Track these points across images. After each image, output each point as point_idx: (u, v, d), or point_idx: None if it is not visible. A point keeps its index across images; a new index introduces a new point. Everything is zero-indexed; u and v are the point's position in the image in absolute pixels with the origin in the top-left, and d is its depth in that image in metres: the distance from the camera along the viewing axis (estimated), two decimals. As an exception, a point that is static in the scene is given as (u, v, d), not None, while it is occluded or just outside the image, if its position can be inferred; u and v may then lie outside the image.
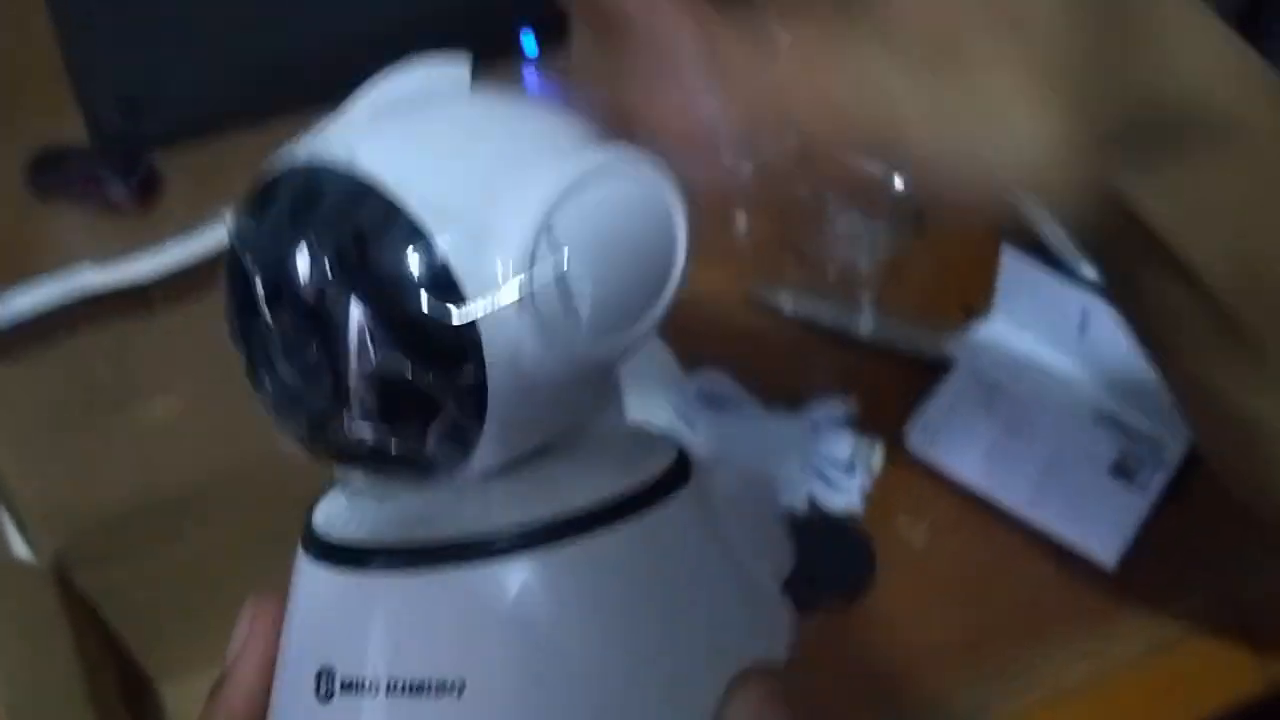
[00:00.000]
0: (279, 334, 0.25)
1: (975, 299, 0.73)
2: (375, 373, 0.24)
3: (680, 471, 0.28)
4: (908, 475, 0.68)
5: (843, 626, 0.62)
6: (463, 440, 0.25)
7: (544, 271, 0.24)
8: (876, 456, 0.67)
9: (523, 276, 0.24)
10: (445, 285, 0.23)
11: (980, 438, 0.67)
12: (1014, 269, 0.68)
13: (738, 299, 0.78)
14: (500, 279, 0.24)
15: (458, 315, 0.23)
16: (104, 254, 0.81)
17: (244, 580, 0.57)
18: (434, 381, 0.24)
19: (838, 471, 0.66)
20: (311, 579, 0.27)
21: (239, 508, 0.54)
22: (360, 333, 0.24)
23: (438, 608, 0.25)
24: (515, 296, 0.24)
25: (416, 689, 0.25)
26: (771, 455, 0.65)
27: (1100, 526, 0.64)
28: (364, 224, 0.24)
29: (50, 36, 0.86)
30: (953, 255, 0.79)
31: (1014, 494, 0.66)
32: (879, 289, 0.76)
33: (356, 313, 0.23)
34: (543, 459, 0.28)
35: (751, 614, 0.29)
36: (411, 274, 0.23)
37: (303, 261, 0.24)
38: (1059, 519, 0.65)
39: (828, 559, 0.65)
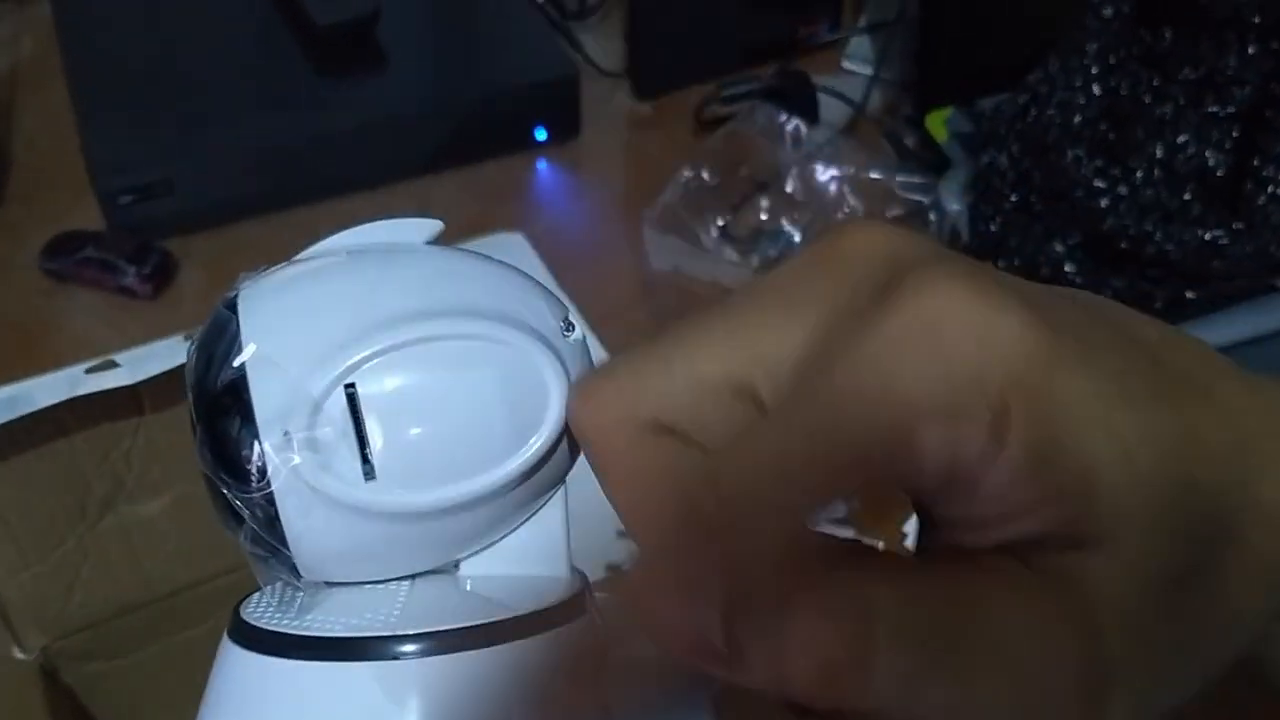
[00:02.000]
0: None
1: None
2: (208, 478, 0.27)
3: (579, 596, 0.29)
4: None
5: None
6: (283, 559, 0.27)
7: (332, 419, 0.26)
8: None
9: (309, 419, 0.26)
10: (246, 413, 0.26)
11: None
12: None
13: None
14: (289, 418, 0.26)
15: (248, 442, 0.26)
16: (116, 339, 0.82)
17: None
18: (241, 500, 0.27)
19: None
20: (232, 661, 0.29)
21: (223, 606, 0.54)
22: (200, 446, 0.27)
23: (332, 694, 0.27)
24: (300, 433, 0.26)
25: None
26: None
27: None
28: (215, 347, 0.27)
29: (71, 125, 0.88)
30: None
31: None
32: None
33: (201, 429, 0.27)
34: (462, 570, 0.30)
35: None
36: (225, 399, 0.27)
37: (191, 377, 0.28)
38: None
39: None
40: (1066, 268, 0.75)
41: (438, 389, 0.27)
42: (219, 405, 0.27)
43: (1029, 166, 0.76)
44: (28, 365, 0.78)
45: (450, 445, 0.27)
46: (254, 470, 0.27)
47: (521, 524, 0.30)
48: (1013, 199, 0.77)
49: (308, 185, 0.92)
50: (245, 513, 0.27)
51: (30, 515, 0.47)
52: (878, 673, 0.20)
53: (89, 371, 0.43)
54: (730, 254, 0.78)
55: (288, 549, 0.27)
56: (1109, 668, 0.22)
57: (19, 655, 0.52)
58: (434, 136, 0.94)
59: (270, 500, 0.27)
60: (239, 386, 0.27)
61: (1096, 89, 0.74)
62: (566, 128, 0.98)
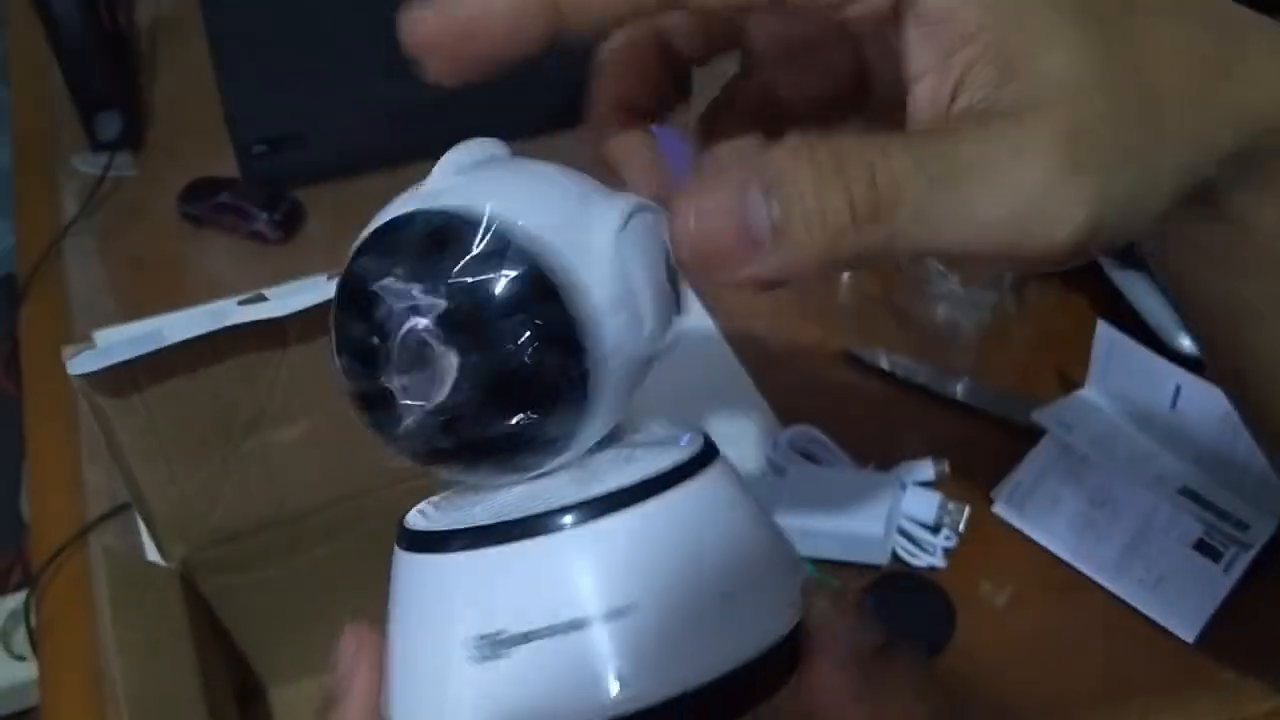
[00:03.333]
0: (406, 355, 0.29)
1: (1071, 369, 0.74)
2: (507, 371, 0.28)
3: (706, 451, 0.32)
4: (993, 539, 0.69)
5: (918, 682, 0.64)
6: (572, 426, 0.30)
7: (625, 275, 0.29)
8: (963, 518, 0.68)
9: (614, 282, 0.29)
10: (557, 292, 0.28)
11: (1066, 507, 0.68)
12: (1109, 342, 0.69)
13: (835, 356, 0.80)
14: (598, 281, 0.29)
15: (571, 320, 0.28)
16: (247, 279, 0.87)
17: (354, 594, 0.62)
18: (552, 373, 0.29)
19: (924, 531, 0.68)
20: (417, 567, 0.31)
21: (354, 526, 0.58)
22: (489, 331, 0.28)
23: (550, 563, 0.29)
24: (610, 297, 0.29)
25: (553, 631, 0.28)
26: (859, 511, 0.67)
27: (1182, 602, 0.65)
28: (486, 247, 0.28)
29: (211, 80, 0.93)
30: (1051, 325, 0.81)
31: (1097, 564, 0.67)
32: (976, 354, 0.78)
33: (484, 316, 0.28)
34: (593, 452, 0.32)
35: (787, 551, 0.33)
36: (529, 284, 0.28)
37: (439, 284, 0.28)
38: (1141, 591, 0.66)
39: (909, 615, 0.66)
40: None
41: (654, 238, 0.31)
42: (523, 300, 0.28)
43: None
44: (166, 303, 0.83)
45: (666, 284, 0.31)
46: (574, 343, 0.29)
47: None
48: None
49: (429, 142, 0.95)
50: (557, 385, 0.29)
51: (181, 435, 0.51)
52: (906, 208, 0.27)
53: (241, 303, 0.47)
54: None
55: (585, 412, 0.29)
56: (1079, 158, 0.28)
57: (163, 563, 0.56)
58: (552, 97, 0.97)
59: (585, 359, 0.29)
60: (536, 277, 0.28)
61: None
62: (679, 89, 1.00)
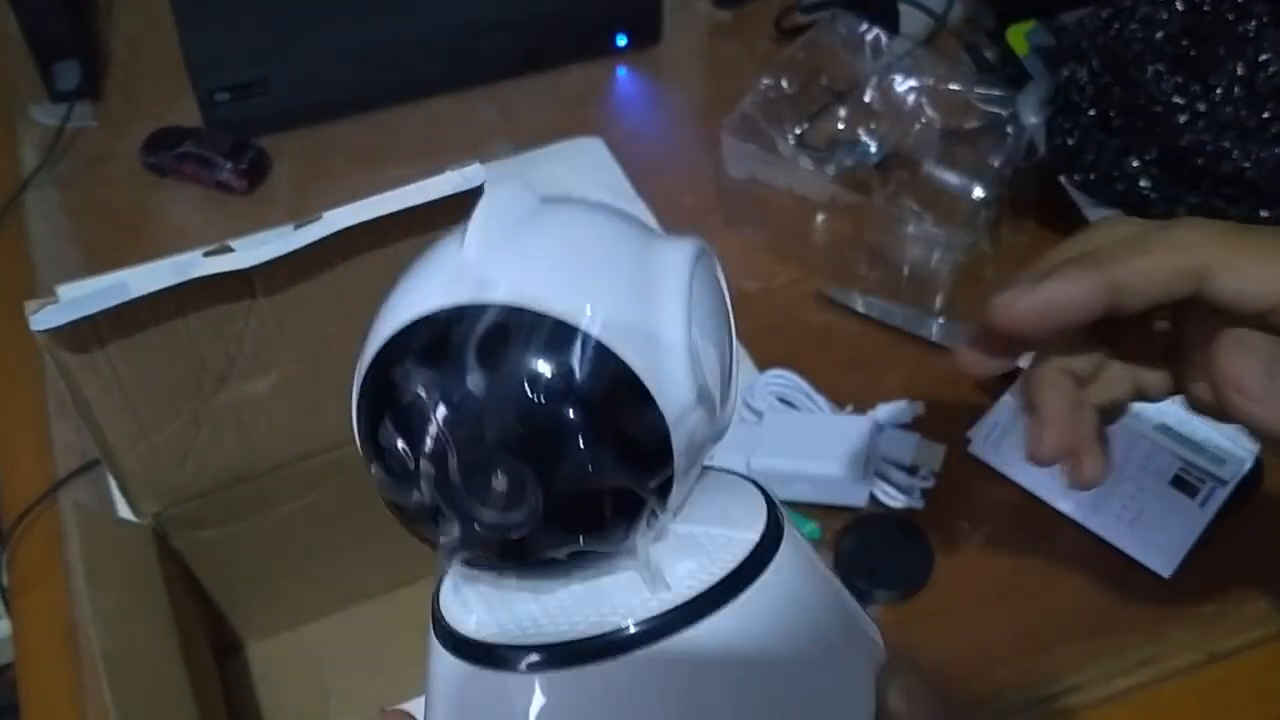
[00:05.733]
0: (462, 472, 0.25)
1: (1046, 307, 0.74)
2: (584, 485, 0.25)
3: (774, 526, 0.29)
4: (969, 478, 0.69)
5: (896, 621, 0.64)
6: (650, 525, 0.27)
7: (703, 359, 0.26)
8: (939, 458, 0.68)
9: (693, 372, 0.26)
10: (639, 399, 0.25)
11: (1025, 425, 0.68)
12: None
13: (810, 297, 0.80)
14: (678, 380, 0.26)
15: (657, 425, 0.25)
16: (212, 230, 0.86)
17: (329, 549, 0.61)
18: (638, 484, 0.26)
19: (900, 472, 0.68)
20: (477, 681, 0.28)
21: (328, 479, 0.57)
22: (571, 452, 0.25)
23: (599, 696, 0.26)
24: (693, 393, 0.26)
25: None
26: (836, 454, 0.67)
27: (1158, 538, 0.65)
28: (559, 355, 0.25)
29: (171, 26, 0.91)
30: (1024, 262, 0.80)
31: (1074, 502, 0.67)
32: (950, 292, 0.78)
33: (565, 436, 0.25)
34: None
35: (859, 616, 0.31)
36: (610, 396, 0.25)
37: (502, 396, 0.25)
38: (1118, 528, 0.66)
39: (887, 556, 0.66)
40: (1142, 183, 0.75)
41: (717, 294, 0.28)
42: (601, 406, 0.25)
43: (1108, 81, 0.76)
44: (131, 255, 0.82)
45: (730, 340, 0.29)
46: (657, 446, 0.26)
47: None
48: (1091, 113, 0.77)
49: (395, 88, 0.94)
50: (639, 494, 0.26)
51: (149, 390, 0.50)
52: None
53: (207, 255, 0.46)
54: (806, 163, 0.79)
55: (664, 509, 0.27)
56: None
57: (134, 519, 0.56)
58: (517, 42, 0.95)
59: (670, 461, 0.26)
60: (616, 377, 0.25)
61: (1179, 4, 0.74)
62: (647, 34, 0.99)
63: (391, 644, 0.60)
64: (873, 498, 0.68)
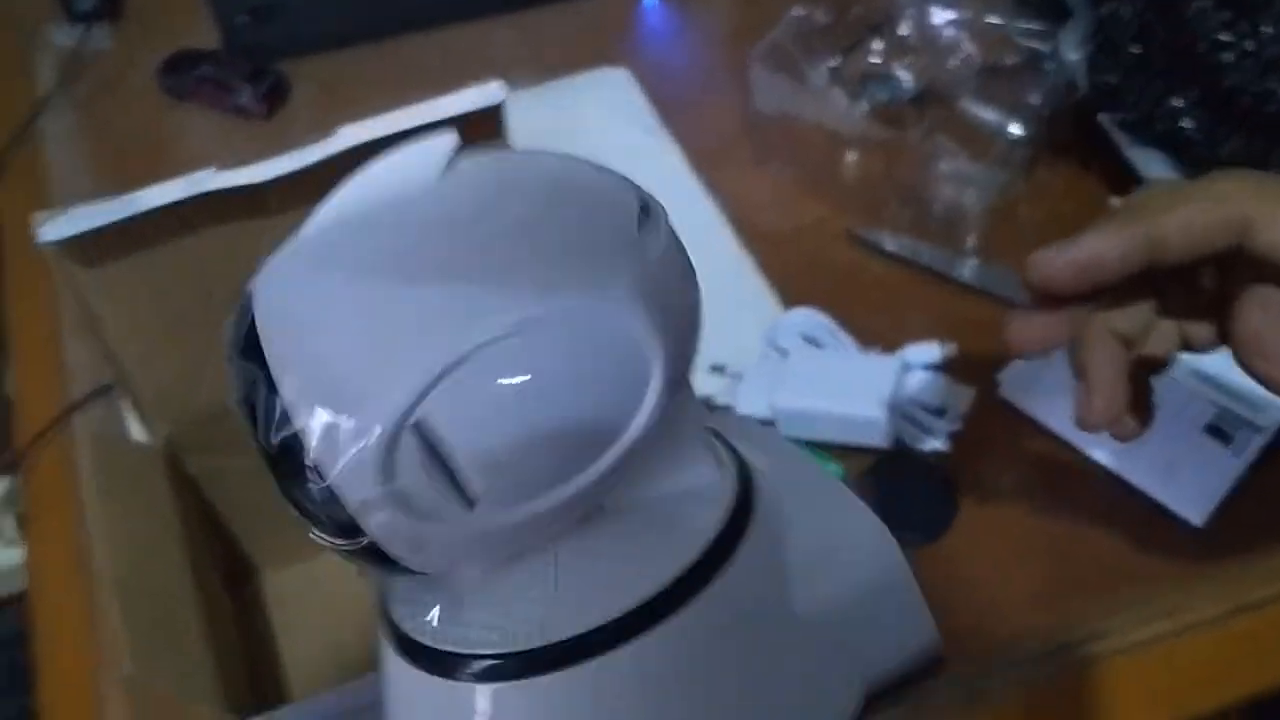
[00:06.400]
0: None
1: (1081, 249, 0.72)
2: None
3: (734, 527, 0.29)
4: (998, 422, 0.68)
5: (920, 564, 0.63)
6: (400, 569, 0.27)
7: (408, 459, 0.24)
8: (967, 401, 0.67)
9: (379, 468, 0.24)
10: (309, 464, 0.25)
11: (1074, 389, 0.67)
12: (1123, 221, 0.67)
13: (839, 237, 0.78)
14: (359, 472, 0.24)
15: (323, 493, 0.26)
16: (230, 155, 0.84)
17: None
18: (341, 552, 0.26)
19: (927, 414, 0.66)
20: (443, 693, 0.28)
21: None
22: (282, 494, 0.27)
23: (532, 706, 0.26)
24: (375, 488, 0.24)
25: None
26: (862, 394, 0.66)
27: (1191, 485, 0.63)
28: (256, 404, 0.27)
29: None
30: (1062, 206, 0.78)
31: (1105, 448, 0.65)
32: (982, 233, 0.76)
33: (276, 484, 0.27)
34: (585, 544, 0.28)
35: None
36: (293, 447, 0.26)
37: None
38: (1149, 475, 0.64)
39: (910, 499, 0.65)
40: (1183, 123, 0.73)
41: (515, 395, 0.24)
42: (284, 467, 0.26)
43: (1152, 18, 0.74)
44: (146, 179, 0.80)
45: (548, 443, 0.24)
46: (342, 509, 0.25)
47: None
48: (1133, 51, 0.75)
49: (417, 14, 0.92)
50: (344, 548, 0.26)
51: (161, 309, 0.49)
52: None
53: (220, 170, 0.45)
54: (838, 96, 0.77)
55: (401, 570, 0.26)
56: None
57: (147, 441, 0.55)
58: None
59: (371, 545, 0.26)
60: (294, 447, 0.25)
61: (1230, -63, 0.71)
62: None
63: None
64: (898, 439, 0.66)
